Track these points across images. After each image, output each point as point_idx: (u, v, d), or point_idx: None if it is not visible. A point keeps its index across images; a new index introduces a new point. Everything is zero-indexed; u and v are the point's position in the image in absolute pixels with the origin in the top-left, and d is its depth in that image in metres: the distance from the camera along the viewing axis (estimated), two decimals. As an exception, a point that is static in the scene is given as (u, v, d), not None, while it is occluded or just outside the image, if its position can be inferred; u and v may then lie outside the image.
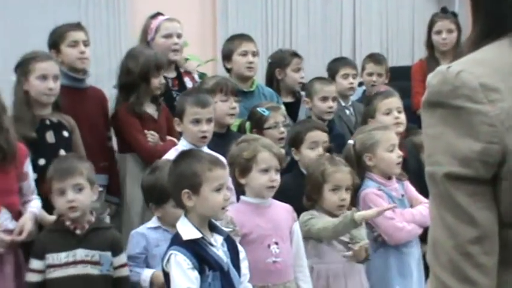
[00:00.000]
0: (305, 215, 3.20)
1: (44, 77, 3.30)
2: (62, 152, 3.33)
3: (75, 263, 2.80)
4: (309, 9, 6.92)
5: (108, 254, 2.85)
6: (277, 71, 4.42)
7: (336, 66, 4.63)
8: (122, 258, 2.91)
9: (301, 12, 6.89)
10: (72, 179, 2.82)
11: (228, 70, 4.24)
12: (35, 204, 3.04)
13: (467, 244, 1.22)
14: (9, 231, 2.90)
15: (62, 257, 2.80)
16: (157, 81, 3.73)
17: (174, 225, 2.85)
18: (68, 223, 2.84)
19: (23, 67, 3.33)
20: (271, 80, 4.44)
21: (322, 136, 3.54)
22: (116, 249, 2.89)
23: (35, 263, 2.81)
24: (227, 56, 4.24)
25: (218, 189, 2.54)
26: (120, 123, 3.72)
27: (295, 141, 3.55)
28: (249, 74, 4.16)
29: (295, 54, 4.48)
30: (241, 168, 2.96)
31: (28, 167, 3.07)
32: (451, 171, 1.23)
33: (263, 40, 6.61)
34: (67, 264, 2.79)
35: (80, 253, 2.81)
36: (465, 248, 1.22)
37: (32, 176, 3.10)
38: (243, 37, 4.30)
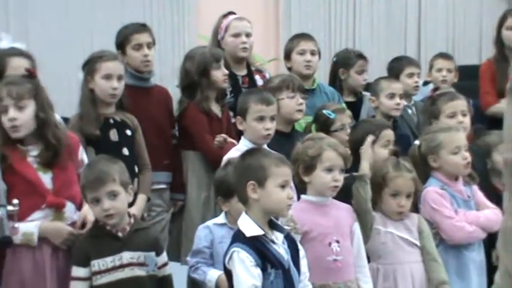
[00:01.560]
0: None
1: (108, 77, 3.35)
2: (125, 151, 3.39)
3: (122, 266, 2.75)
4: (373, 8, 6.86)
5: (152, 254, 2.83)
6: (340, 71, 4.41)
7: (400, 65, 4.57)
8: (164, 257, 2.90)
9: (365, 11, 6.84)
10: (105, 186, 2.75)
11: (289, 69, 4.26)
12: None
13: None
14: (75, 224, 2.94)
15: (108, 261, 2.75)
16: (219, 74, 3.74)
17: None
18: (108, 227, 2.80)
19: (89, 66, 3.40)
20: (335, 79, 4.43)
21: (392, 135, 3.50)
22: (159, 248, 2.88)
23: (80, 271, 2.75)
24: (287, 55, 4.27)
25: (283, 186, 2.54)
26: (189, 121, 3.74)
27: (364, 141, 3.49)
28: (306, 72, 4.17)
29: (360, 56, 4.46)
30: (306, 166, 2.95)
31: (83, 155, 3.08)
32: None
33: (326, 40, 6.59)
34: (114, 269, 2.75)
35: (126, 256, 2.77)
36: None
37: (87, 161, 3.09)
38: (302, 36, 4.33)
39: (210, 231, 2.98)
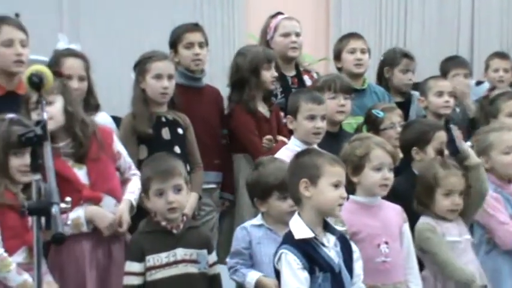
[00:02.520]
0: (422, 226, 3.10)
1: (159, 76, 3.40)
2: (177, 149, 3.42)
3: (176, 262, 2.80)
4: (424, 7, 6.78)
5: (205, 251, 2.87)
6: (385, 70, 4.38)
7: (446, 66, 4.51)
8: (214, 256, 2.94)
9: (416, 10, 6.76)
10: (173, 179, 2.82)
11: (339, 69, 4.25)
12: (132, 187, 3.09)
13: None
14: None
15: (163, 257, 2.79)
16: (268, 75, 3.75)
17: (278, 220, 2.89)
18: (164, 223, 2.85)
19: (140, 66, 3.45)
20: (381, 78, 4.39)
21: (445, 136, 3.46)
22: (210, 247, 2.92)
23: (135, 266, 2.79)
24: (337, 55, 4.26)
25: (336, 185, 2.53)
26: (236, 124, 3.76)
27: (419, 141, 3.44)
28: (357, 71, 4.15)
29: (405, 55, 4.41)
30: (354, 166, 2.94)
31: (118, 146, 3.13)
32: None
33: (376, 40, 6.53)
34: (168, 265, 2.79)
35: (180, 252, 2.81)
36: None
37: (125, 152, 3.15)
38: (351, 35, 4.32)
39: (247, 232, 2.98)
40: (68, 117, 2.94)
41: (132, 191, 3.08)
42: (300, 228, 2.52)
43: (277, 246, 2.57)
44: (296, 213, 2.58)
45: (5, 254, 2.73)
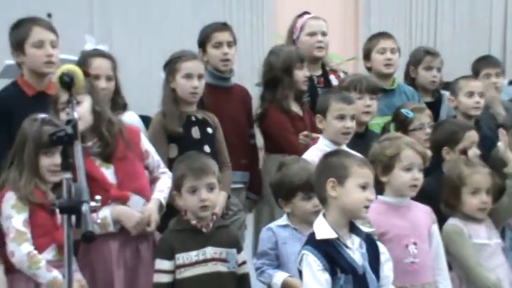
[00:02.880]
0: (449, 228, 3.09)
1: (188, 76, 3.41)
2: (206, 148, 3.43)
3: (205, 261, 2.81)
4: (455, 6, 6.72)
5: (234, 251, 2.88)
6: (411, 69, 4.35)
7: (478, 65, 4.46)
8: (243, 256, 2.94)
9: (447, 9, 6.70)
10: (207, 177, 2.84)
11: (368, 69, 4.22)
12: (161, 186, 3.10)
13: None
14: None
15: (193, 255, 2.80)
16: (301, 74, 3.75)
17: (303, 221, 2.89)
18: (194, 222, 2.86)
19: (170, 66, 3.47)
20: (408, 79, 4.36)
21: (476, 136, 3.42)
22: (239, 246, 2.93)
23: (165, 264, 2.80)
24: (367, 55, 4.23)
25: (363, 187, 2.52)
26: (270, 123, 3.75)
27: (450, 141, 3.41)
28: (387, 71, 4.11)
29: (428, 52, 4.37)
30: (384, 166, 2.93)
31: (146, 144, 3.14)
32: None
33: (406, 39, 6.49)
34: (198, 263, 2.80)
35: (209, 251, 2.83)
36: None
37: (153, 150, 3.16)
38: (381, 34, 4.28)
39: (273, 233, 2.98)
40: (96, 117, 2.97)
41: (162, 190, 3.10)
42: (323, 229, 2.51)
43: (301, 246, 2.56)
44: (321, 214, 2.57)
45: (35, 252, 2.77)
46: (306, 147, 3.54)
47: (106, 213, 2.91)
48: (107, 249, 2.95)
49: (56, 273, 2.76)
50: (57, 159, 2.76)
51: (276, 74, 3.74)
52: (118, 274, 2.92)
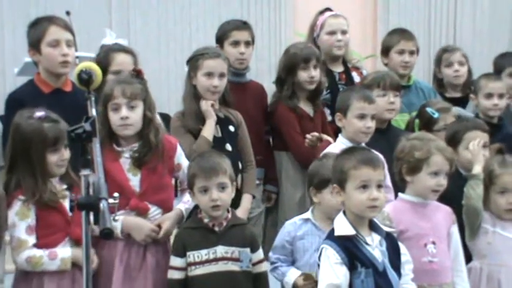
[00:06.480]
0: None
1: (209, 74, 3.37)
2: (228, 146, 3.40)
3: (215, 260, 2.80)
4: (476, 3, 6.65)
5: (247, 250, 2.86)
6: (436, 71, 4.38)
7: (501, 62, 4.41)
8: (260, 254, 2.91)
9: (467, 6, 6.64)
10: (217, 177, 2.81)
11: (386, 65, 4.21)
12: (187, 197, 3.06)
13: None
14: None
15: (203, 254, 2.80)
16: (305, 75, 3.70)
17: (326, 215, 2.88)
18: (206, 220, 2.86)
19: (193, 62, 3.43)
20: (435, 81, 4.39)
21: (482, 136, 3.37)
22: (254, 245, 2.90)
23: (177, 261, 2.82)
24: (385, 51, 4.21)
25: (363, 187, 2.50)
26: (279, 121, 3.74)
27: (452, 140, 3.38)
28: (403, 72, 4.11)
29: (444, 50, 4.38)
30: (411, 166, 2.91)
31: (180, 159, 3.09)
32: None
33: (425, 36, 6.44)
34: (208, 261, 2.80)
35: (220, 250, 2.81)
36: None
37: (186, 163, 3.08)
38: (403, 35, 4.22)
39: (294, 227, 2.97)
40: (145, 122, 2.94)
41: (186, 201, 3.08)
42: (342, 226, 2.52)
43: (322, 241, 2.57)
44: (342, 211, 2.58)
45: (32, 253, 2.75)
46: (313, 148, 3.53)
47: (117, 225, 2.85)
48: (113, 243, 2.90)
49: (60, 255, 2.75)
50: (63, 153, 2.76)
51: (280, 73, 3.74)
52: (119, 269, 2.88)
